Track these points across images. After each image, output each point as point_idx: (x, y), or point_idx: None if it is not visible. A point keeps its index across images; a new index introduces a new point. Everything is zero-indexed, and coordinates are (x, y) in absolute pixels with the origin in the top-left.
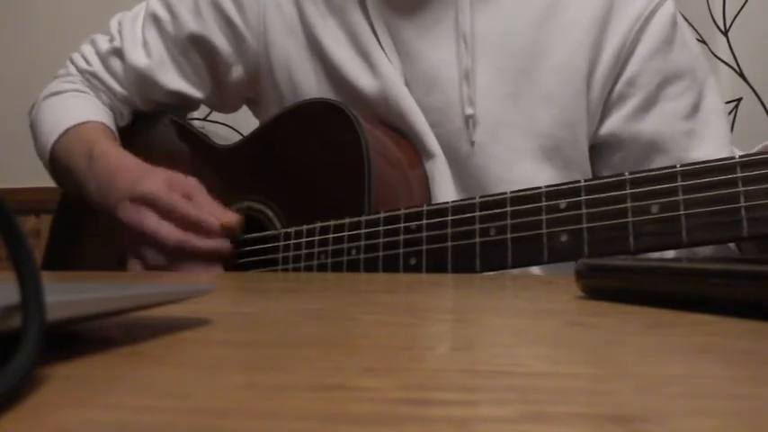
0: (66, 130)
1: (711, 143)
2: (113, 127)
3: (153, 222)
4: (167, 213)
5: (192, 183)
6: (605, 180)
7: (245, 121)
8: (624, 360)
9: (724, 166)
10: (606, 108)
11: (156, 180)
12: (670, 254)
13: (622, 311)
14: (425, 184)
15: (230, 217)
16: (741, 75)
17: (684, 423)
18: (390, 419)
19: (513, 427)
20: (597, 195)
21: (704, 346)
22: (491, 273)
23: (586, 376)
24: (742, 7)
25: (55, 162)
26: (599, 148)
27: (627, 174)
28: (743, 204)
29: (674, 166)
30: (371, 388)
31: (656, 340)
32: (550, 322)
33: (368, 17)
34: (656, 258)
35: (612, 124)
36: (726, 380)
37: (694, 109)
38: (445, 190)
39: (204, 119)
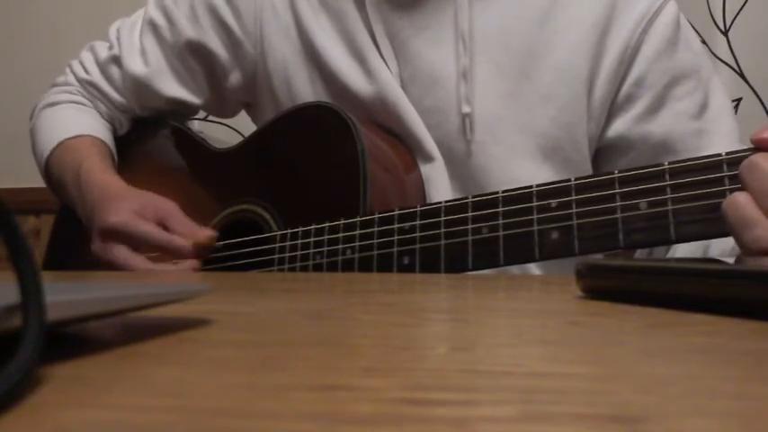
0: (60, 144)
1: (722, 141)
2: (109, 139)
3: (121, 255)
4: (136, 244)
5: (165, 206)
6: (595, 178)
7: (245, 123)
8: (624, 360)
9: (710, 164)
10: (613, 110)
11: (124, 211)
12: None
13: (622, 311)
14: (421, 187)
15: (201, 234)
16: (741, 75)
17: (684, 423)
18: (390, 419)
19: (513, 427)
20: (587, 194)
21: (704, 346)
22: (490, 272)
23: (586, 376)
24: (742, 7)
25: (49, 175)
26: (608, 150)
27: (616, 172)
28: None
29: (662, 164)
30: (371, 388)
31: (656, 340)
32: (550, 322)
33: (366, 18)
34: (656, 258)
35: (621, 126)
36: (726, 380)
37: (702, 108)
38: (442, 193)
39: (204, 119)
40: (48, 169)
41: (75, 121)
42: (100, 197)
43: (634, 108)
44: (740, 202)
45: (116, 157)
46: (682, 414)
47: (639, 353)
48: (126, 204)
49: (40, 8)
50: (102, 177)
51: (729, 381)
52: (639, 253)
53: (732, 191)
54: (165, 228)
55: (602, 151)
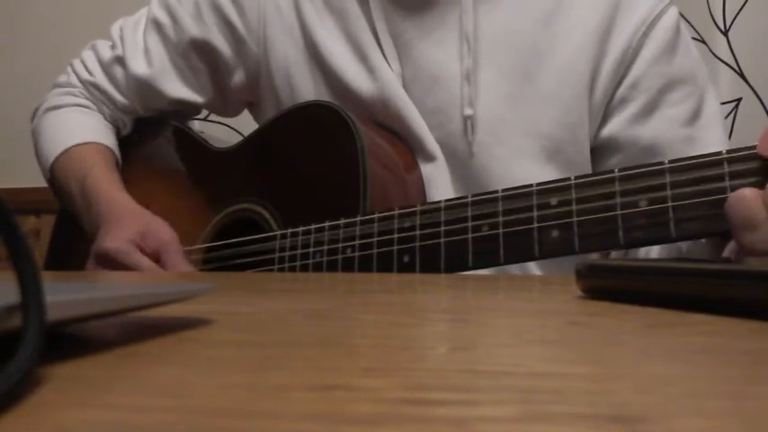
0: (65, 151)
1: (711, 150)
2: (114, 144)
3: None
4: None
5: (164, 237)
6: (595, 177)
7: (246, 123)
8: (624, 360)
9: (711, 162)
10: (608, 111)
11: (121, 238)
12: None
13: (622, 311)
14: (421, 186)
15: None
16: (741, 75)
17: (684, 423)
18: (390, 419)
19: (513, 427)
20: (587, 192)
21: (704, 346)
22: (490, 272)
23: (586, 376)
24: (742, 7)
25: (54, 182)
26: (598, 151)
27: (616, 170)
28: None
29: (663, 162)
30: (371, 388)
31: (656, 340)
32: (550, 322)
33: (369, 18)
34: (656, 258)
35: (613, 127)
36: (726, 380)
37: (695, 115)
38: (442, 192)
39: (205, 119)
40: (52, 175)
41: (80, 127)
42: (105, 213)
43: (627, 110)
44: (747, 197)
45: (120, 162)
46: (682, 414)
47: (639, 353)
48: (125, 230)
49: (41, 8)
50: (107, 189)
51: (729, 381)
52: (616, 253)
53: (733, 188)
54: (159, 260)
55: (593, 152)
